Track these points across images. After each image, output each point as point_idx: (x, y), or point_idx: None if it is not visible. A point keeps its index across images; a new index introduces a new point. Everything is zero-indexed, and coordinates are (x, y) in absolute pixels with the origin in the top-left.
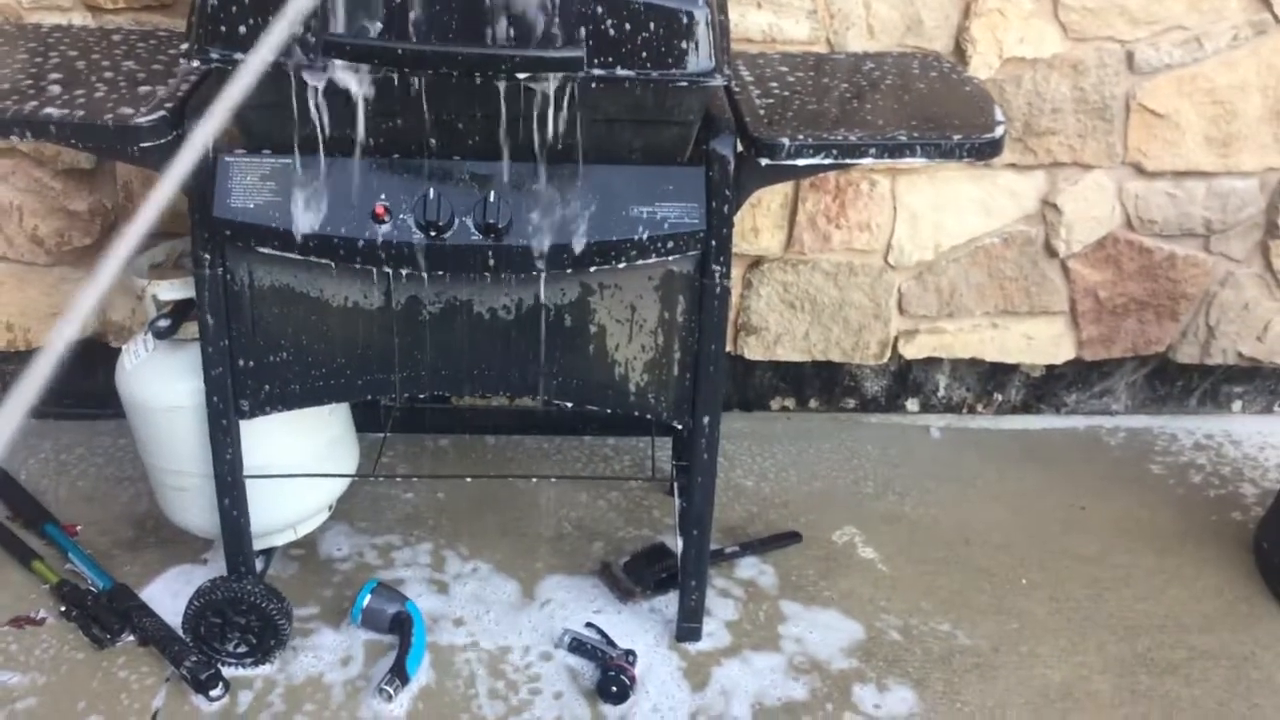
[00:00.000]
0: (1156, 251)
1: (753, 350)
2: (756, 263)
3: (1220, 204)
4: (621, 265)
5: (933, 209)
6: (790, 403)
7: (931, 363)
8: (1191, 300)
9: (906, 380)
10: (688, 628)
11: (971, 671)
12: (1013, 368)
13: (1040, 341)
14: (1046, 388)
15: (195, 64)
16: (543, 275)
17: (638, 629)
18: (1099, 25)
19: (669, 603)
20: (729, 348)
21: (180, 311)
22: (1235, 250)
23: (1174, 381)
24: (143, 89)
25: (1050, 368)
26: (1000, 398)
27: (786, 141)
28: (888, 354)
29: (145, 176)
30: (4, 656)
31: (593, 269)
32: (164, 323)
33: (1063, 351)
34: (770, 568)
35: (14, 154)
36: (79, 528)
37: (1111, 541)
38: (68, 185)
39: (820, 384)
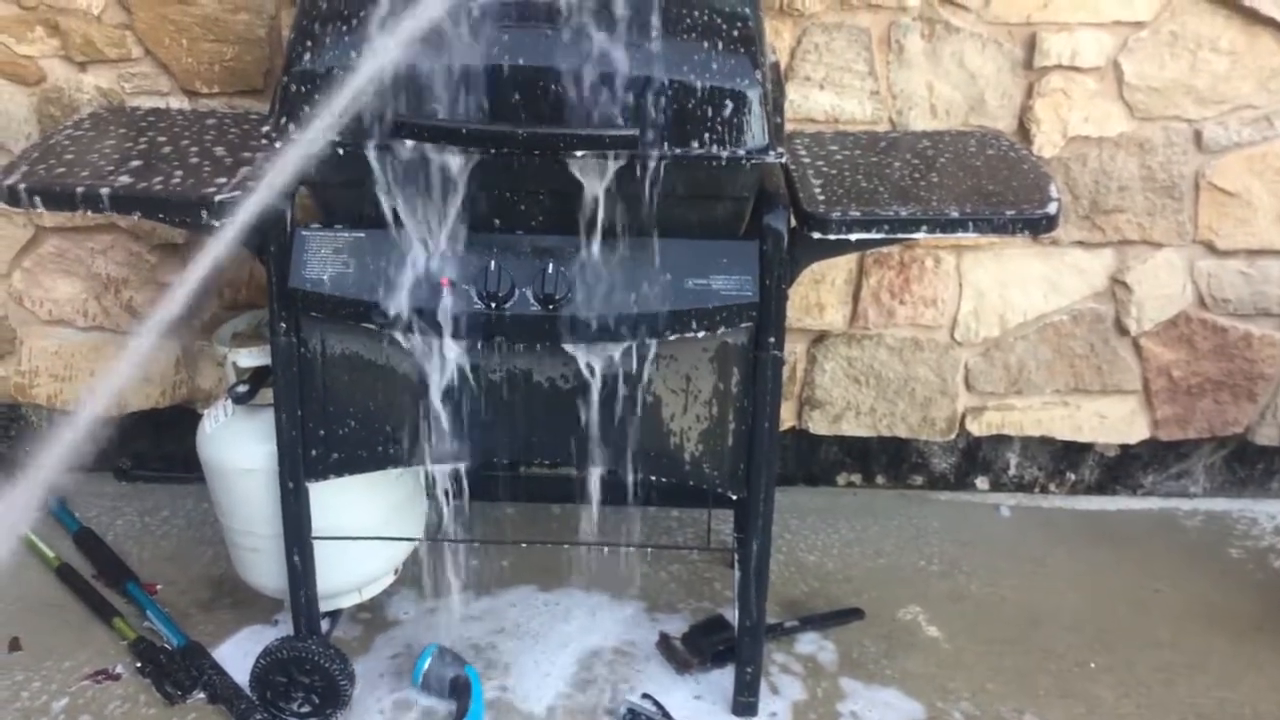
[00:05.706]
0: (1231, 330)
1: (817, 425)
2: (820, 337)
3: None
4: (676, 336)
5: (999, 285)
6: (856, 478)
7: (1001, 440)
8: (1270, 381)
9: (976, 457)
10: (743, 702)
11: None
12: (1086, 447)
13: (1113, 420)
14: (1122, 468)
15: (279, 145)
16: (599, 345)
17: (694, 702)
18: (1165, 105)
19: (726, 676)
20: (794, 422)
21: (258, 378)
22: None
23: (1254, 464)
24: (220, 178)
25: (1125, 448)
26: (1074, 477)
27: (837, 216)
28: (955, 430)
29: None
30: (80, 711)
31: (648, 340)
32: (242, 388)
33: (1136, 431)
34: (831, 644)
35: (113, 229)
36: (159, 587)
37: (1186, 626)
38: (162, 259)
39: (887, 460)
